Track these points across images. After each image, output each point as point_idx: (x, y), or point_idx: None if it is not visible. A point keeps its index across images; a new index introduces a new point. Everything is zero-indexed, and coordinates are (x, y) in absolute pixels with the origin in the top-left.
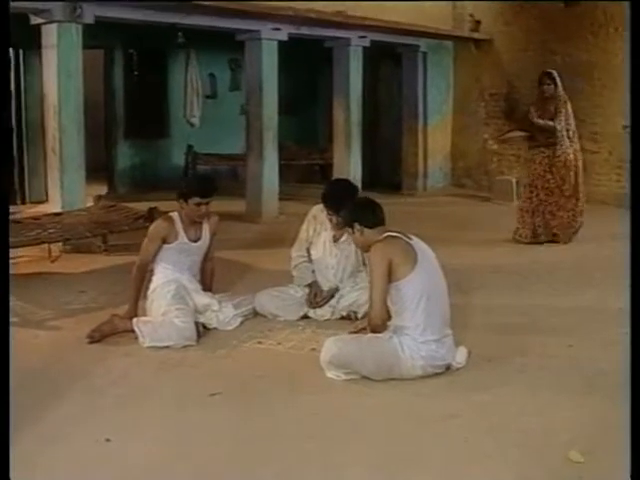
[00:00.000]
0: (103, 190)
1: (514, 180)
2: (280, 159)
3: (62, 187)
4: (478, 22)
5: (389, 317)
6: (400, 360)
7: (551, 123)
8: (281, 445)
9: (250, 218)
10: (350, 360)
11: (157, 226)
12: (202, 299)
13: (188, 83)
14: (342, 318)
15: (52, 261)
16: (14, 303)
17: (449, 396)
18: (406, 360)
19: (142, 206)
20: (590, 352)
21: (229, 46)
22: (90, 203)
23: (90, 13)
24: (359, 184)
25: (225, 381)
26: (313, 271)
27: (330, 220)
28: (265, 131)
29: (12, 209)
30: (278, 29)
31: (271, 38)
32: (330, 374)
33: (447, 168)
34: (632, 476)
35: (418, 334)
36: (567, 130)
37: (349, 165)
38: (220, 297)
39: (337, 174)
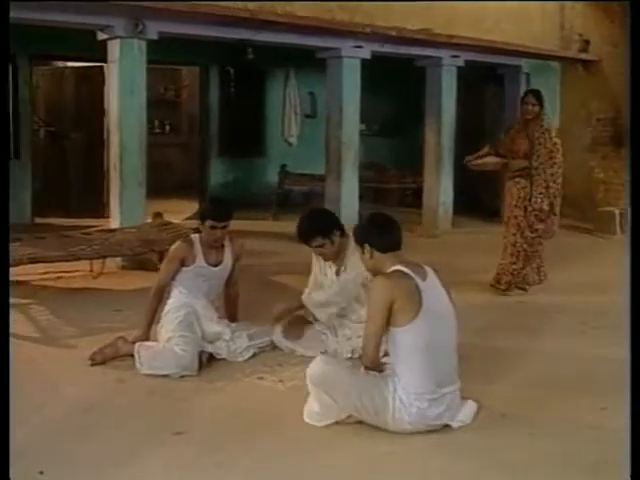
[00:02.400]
0: (195, 207)
1: (617, 211)
2: (372, 182)
3: (121, 203)
4: (587, 42)
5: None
6: (388, 408)
7: (524, 163)
8: None
9: None
10: (335, 386)
11: (176, 248)
12: (214, 327)
13: (286, 101)
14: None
15: (94, 277)
16: (45, 317)
17: (427, 460)
18: (394, 411)
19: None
20: (622, 420)
21: None
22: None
23: (154, 29)
24: (449, 210)
25: (200, 419)
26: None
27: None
28: (344, 152)
29: (95, 222)
30: (360, 47)
31: (352, 56)
32: (308, 419)
33: None
34: (632, 476)
35: (411, 389)
36: (551, 165)
37: (438, 190)
38: (237, 326)
39: (427, 199)
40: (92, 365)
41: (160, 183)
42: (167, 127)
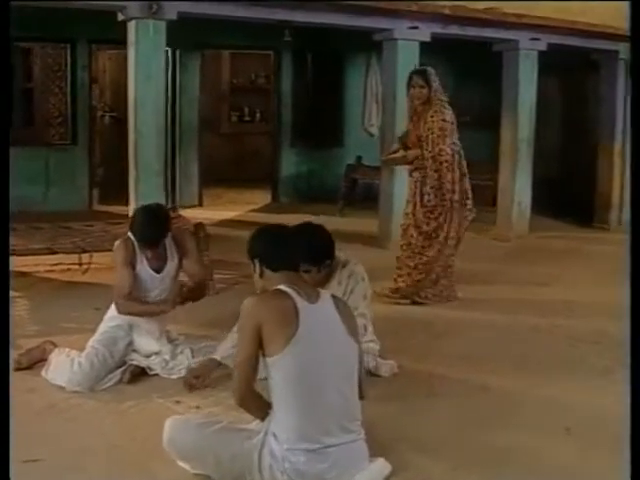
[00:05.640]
0: (267, 198)
1: None
2: None
3: (137, 194)
4: None
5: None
6: (253, 468)
7: (413, 152)
8: None
9: (379, 243)
10: (186, 452)
11: (120, 249)
12: (152, 345)
13: (368, 89)
14: None
15: (83, 272)
16: (19, 313)
17: None
18: (264, 470)
19: (300, 219)
20: None
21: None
22: None
23: (172, 9)
24: (527, 211)
25: (72, 445)
26: None
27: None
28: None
29: None
30: (415, 27)
31: (408, 38)
32: (180, 462)
33: None
34: (632, 476)
35: (284, 437)
36: (438, 153)
37: (514, 188)
38: (182, 341)
39: (501, 198)
40: (16, 369)
41: (246, 172)
42: (257, 115)
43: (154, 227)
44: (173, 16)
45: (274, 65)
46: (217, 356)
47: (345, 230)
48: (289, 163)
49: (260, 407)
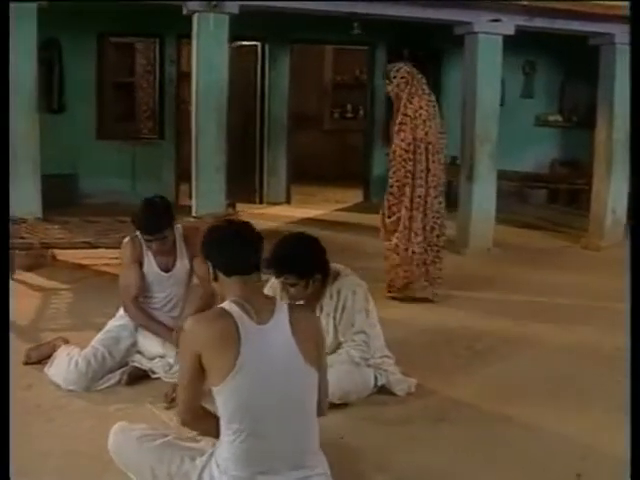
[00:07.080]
0: (359, 197)
1: None
2: (542, 181)
3: (197, 190)
4: None
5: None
6: None
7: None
8: None
9: (454, 248)
10: (128, 462)
11: (127, 248)
12: (156, 348)
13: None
14: None
15: None
16: (58, 306)
17: None
18: None
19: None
20: None
21: (523, 46)
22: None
23: (234, 3)
24: (622, 218)
25: (41, 449)
26: None
27: (286, 290)
28: (479, 145)
29: (246, 207)
30: (497, 20)
31: (489, 32)
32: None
33: None
34: (632, 476)
35: (223, 467)
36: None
37: (607, 194)
38: None
39: (594, 204)
40: (25, 364)
41: (346, 170)
42: (360, 112)
43: (152, 216)
44: (235, 10)
45: (368, 61)
46: None
47: None
48: (381, 162)
49: (212, 426)
